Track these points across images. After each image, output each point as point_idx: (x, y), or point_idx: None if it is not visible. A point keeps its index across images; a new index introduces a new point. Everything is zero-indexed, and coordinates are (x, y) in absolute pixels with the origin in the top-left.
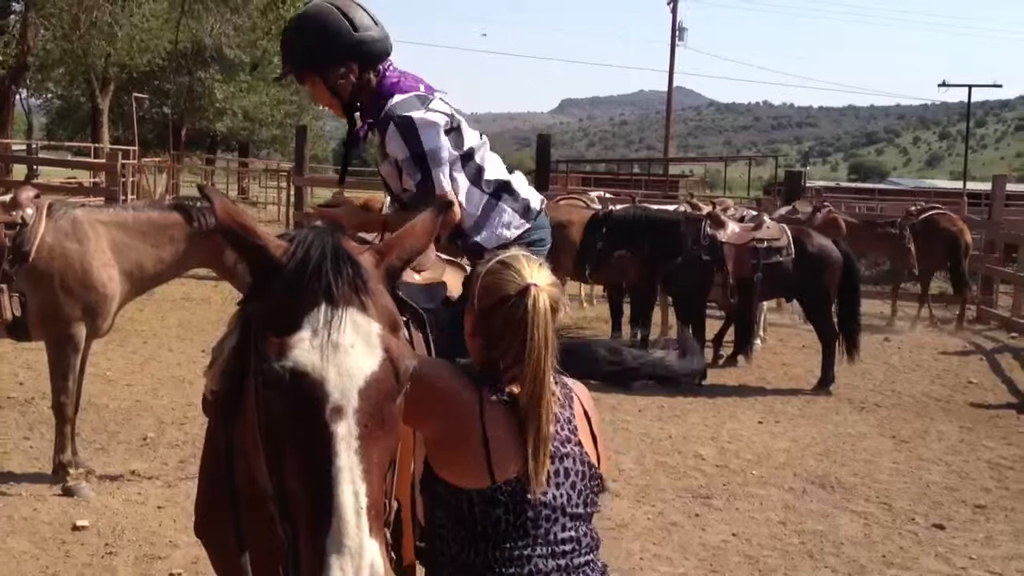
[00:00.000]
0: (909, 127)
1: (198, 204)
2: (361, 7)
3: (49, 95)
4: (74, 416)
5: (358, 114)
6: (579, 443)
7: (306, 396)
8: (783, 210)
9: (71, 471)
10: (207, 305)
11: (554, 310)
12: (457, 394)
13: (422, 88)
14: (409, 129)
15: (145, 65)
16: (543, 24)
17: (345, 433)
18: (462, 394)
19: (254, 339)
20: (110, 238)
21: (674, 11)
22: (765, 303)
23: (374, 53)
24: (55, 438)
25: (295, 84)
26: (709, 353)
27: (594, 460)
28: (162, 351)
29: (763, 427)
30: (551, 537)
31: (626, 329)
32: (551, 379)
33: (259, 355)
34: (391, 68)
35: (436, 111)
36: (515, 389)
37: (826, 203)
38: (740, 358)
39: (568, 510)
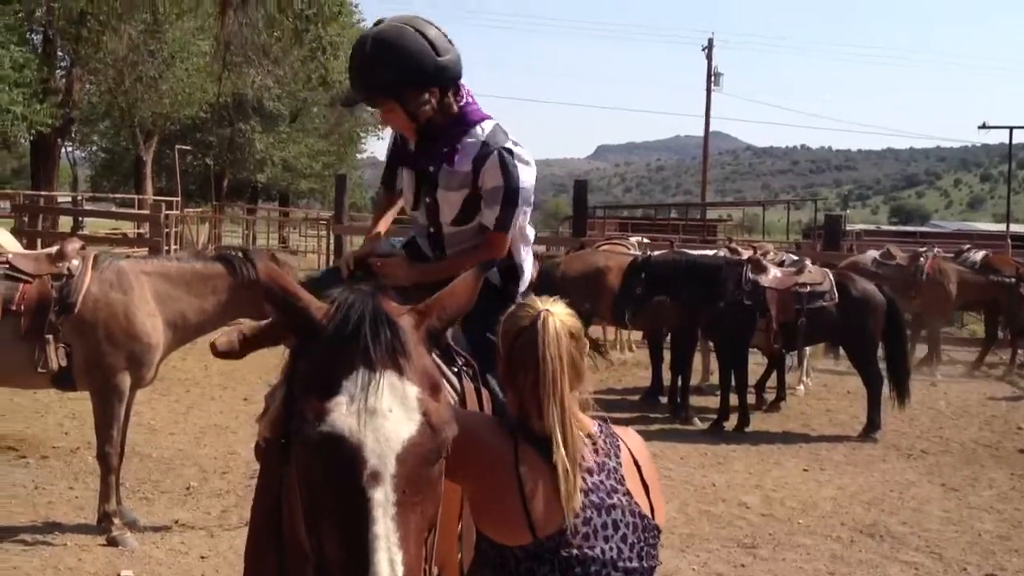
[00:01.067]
0: (950, 169)
1: (241, 255)
2: (433, 25)
3: (94, 147)
4: (119, 466)
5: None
6: (627, 493)
7: (343, 461)
8: (874, 254)
9: (116, 521)
10: (250, 355)
11: (574, 337)
12: (493, 448)
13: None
14: (510, 162)
15: (187, 117)
16: (578, 71)
17: (382, 499)
18: (498, 447)
19: (294, 400)
20: (154, 289)
21: (709, 56)
22: (808, 348)
23: (455, 77)
24: (100, 488)
25: (334, 133)
26: (751, 399)
27: (647, 511)
28: (204, 400)
29: (809, 475)
30: None
31: (666, 375)
32: (573, 403)
33: (297, 417)
34: (467, 91)
35: (524, 149)
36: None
37: (933, 247)
38: (783, 404)
39: (620, 564)
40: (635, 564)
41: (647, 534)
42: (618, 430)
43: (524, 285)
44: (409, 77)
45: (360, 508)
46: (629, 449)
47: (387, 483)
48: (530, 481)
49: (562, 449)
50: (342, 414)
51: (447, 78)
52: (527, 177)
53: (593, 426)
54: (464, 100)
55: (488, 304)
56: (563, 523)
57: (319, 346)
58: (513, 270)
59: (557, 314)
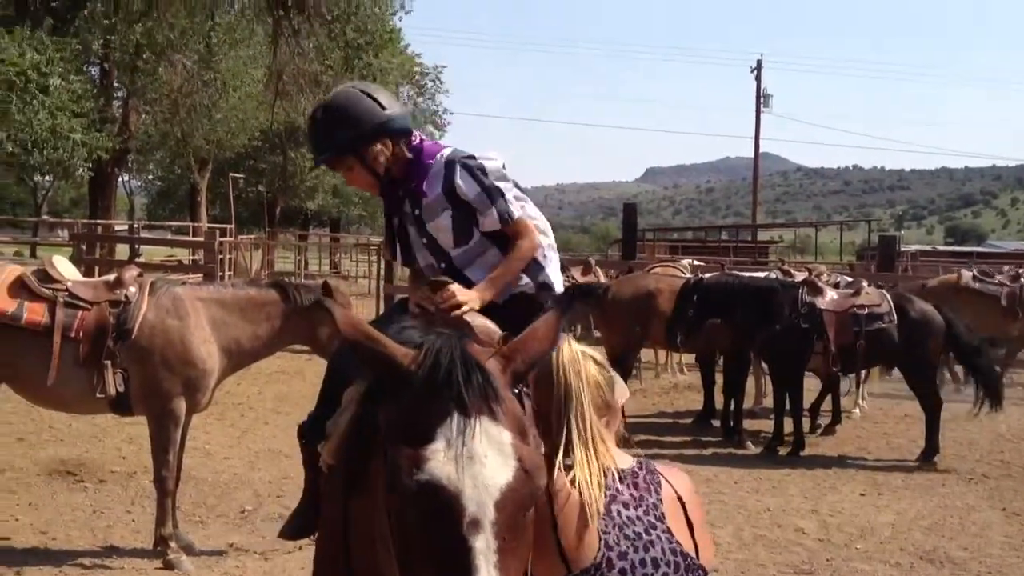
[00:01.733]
0: (1007, 188)
1: (294, 282)
2: (380, 89)
3: (150, 177)
4: (175, 490)
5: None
6: (667, 530)
7: (442, 509)
8: (968, 273)
9: (172, 544)
10: (302, 378)
11: (597, 363)
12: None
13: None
14: (475, 166)
15: (240, 146)
16: (627, 94)
17: (483, 547)
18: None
19: (384, 447)
20: (209, 315)
21: (758, 78)
22: (864, 371)
23: (404, 128)
24: (156, 512)
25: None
26: (806, 423)
27: (690, 549)
28: (258, 424)
29: (866, 499)
30: None
31: (719, 398)
32: (604, 432)
33: (392, 466)
34: (418, 135)
35: (487, 154)
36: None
37: None
38: (838, 427)
39: None
40: None
41: (690, 574)
42: (663, 469)
43: (558, 290)
44: (360, 131)
45: (462, 557)
46: (673, 487)
47: (487, 531)
48: (562, 514)
49: (586, 468)
50: (439, 462)
51: (396, 128)
52: (493, 165)
53: (631, 462)
54: (416, 142)
55: (522, 312)
56: (598, 555)
57: (409, 393)
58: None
59: (572, 343)
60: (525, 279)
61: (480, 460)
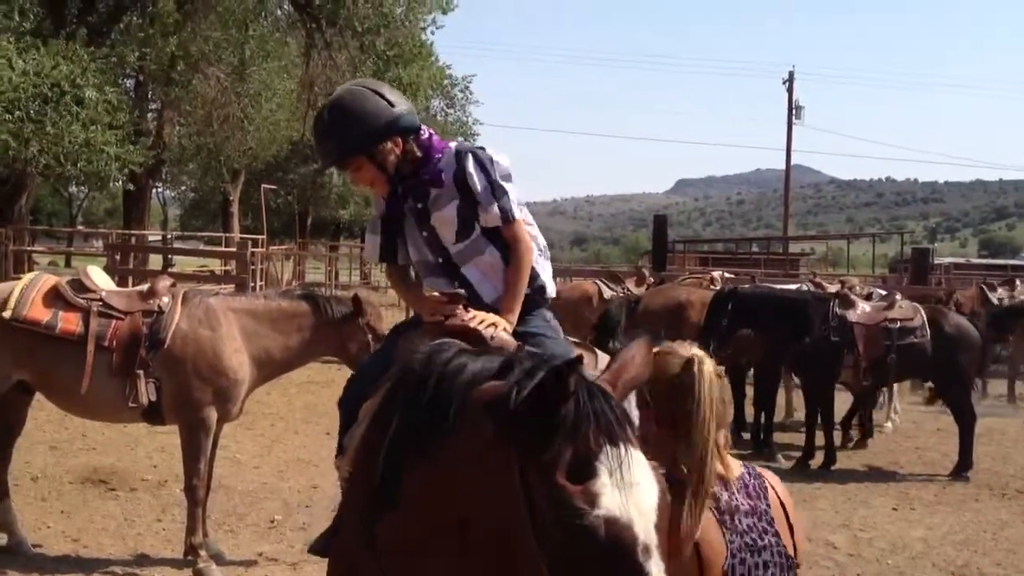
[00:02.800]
0: None
1: (325, 294)
2: (387, 86)
3: (183, 188)
4: (205, 499)
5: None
6: (776, 534)
7: (618, 540)
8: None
9: (202, 553)
10: (331, 388)
11: (720, 378)
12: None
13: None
14: (486, 158)
15: (272, 156)
16: (658, 105)
17: (656, 571)
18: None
19: (536, 485)
20: (241, 325)
21: (790, 89)
22: (896, 384)
23: (413, 125)
24: (187, 520)
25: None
26: (837, 436)
27: (791, 550)
28: (288, 434)
29: (898, 514)
30: None
31: (749, 410)
32: (717, 445)
33: (560, 503)
34: (427, 130)
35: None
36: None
37: None
38: (870, 441)
39: None
40: None
41: (789, 573)
42: (763, 472)
43: (551, 293)
44: (369, 130)
45: None
46: (776, 492)
47: (654, 554)
48: (700, 527)
49: (700, 491)
50: (609, 495)
51: (405, 126)
52: (503, 161)
53: (740, 468)
54: (425, 137)
55: (522, 314)
56: (725, 564)
57: (561, 431)
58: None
59: (704, 357)
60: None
61: (638, 487)
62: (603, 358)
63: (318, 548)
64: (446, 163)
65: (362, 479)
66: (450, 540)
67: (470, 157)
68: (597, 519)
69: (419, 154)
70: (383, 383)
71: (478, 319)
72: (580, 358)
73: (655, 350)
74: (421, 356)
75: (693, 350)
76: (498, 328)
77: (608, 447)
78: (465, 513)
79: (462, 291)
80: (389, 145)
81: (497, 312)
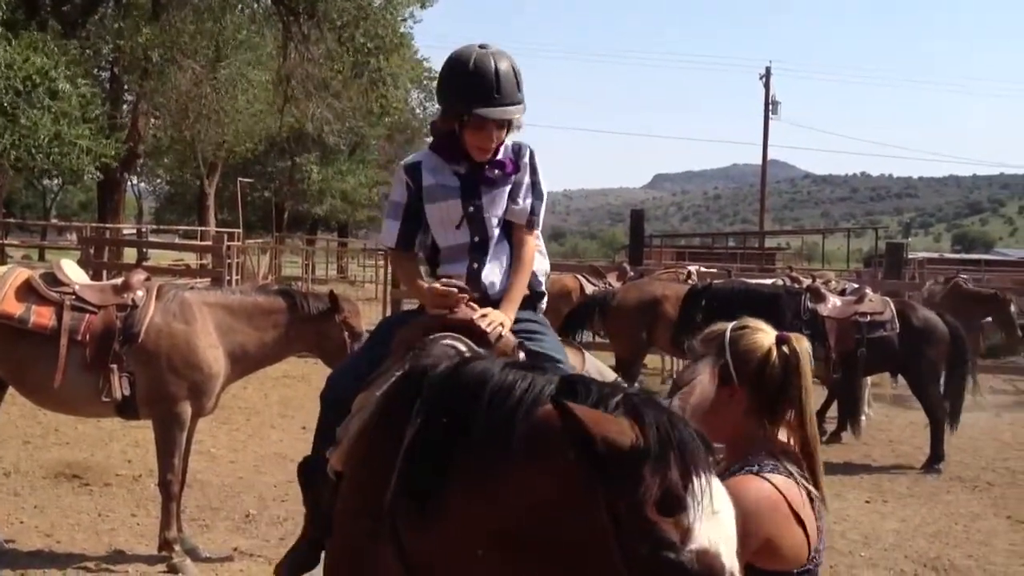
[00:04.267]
0: (1014, 196)
1: (302, 290)
2: None
3: (158, 181)
4: (180, 493)
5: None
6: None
7: (710, 571)
8: None
9: (176, 548)
10: (307, 383)
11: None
12: (770, 504)
13: None
14: (534, 157)
15: (249, 151)
16: (635, 100)
17: None
18: (772, 500)
19: (625, 518)
20: (216, 320)
21: (767, 84)
22: (870, 378)
23: None
24: (161, 515)
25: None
26: None
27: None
28: (264, 428)
29: (870, 507)
30: None
31: None
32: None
33: (650, 538)
34: None
35: None
36: (784, 441)
37: None
38: (845, 435)
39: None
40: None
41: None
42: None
43: (545, 297)
44: (525, 100)
45: None
46: None
47: None
48: (798, 507)
49: (818, 461)
50: (700, 528)
51: None
52: (544, 180)
53: None
54: None
55: (519, 309)
56: (820, 535)
57: (643, 465)
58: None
59: (793, 335)
60: None
61: (719, 517)
62: (590, 359)
63: (286, 571)
64: (506, 148)
65: (370, 478)
66: (501, 560)
67: (528, 151)
68: (691, 553)
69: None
70: (381, 376)
71: (488, 318)
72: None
73: (738, 327)
74: (445, 359)
75: (770, 328)
76: (505, 327)
77: (694, 480)
78: (523, 534)
79: (464, 285)
80: (521, 116)
81: (495, 307)
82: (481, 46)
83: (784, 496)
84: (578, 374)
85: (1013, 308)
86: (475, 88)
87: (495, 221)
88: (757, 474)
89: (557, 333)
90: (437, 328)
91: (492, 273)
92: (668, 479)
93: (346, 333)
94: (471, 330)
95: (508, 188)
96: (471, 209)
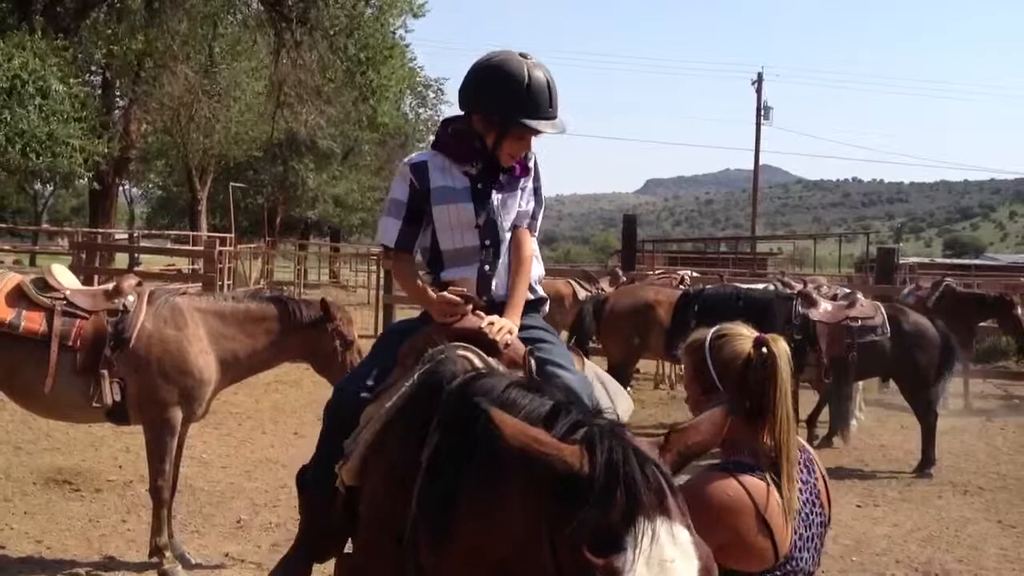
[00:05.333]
0: (1005, 201)
1: (295, 298)
2: None
3: (150, 185)
4: (171, 499)
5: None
6: (821, 505)
7: None
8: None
9: (167, 554)
10: (299, 388)
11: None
12: (732, 506)
13: None
14: (538, 164)
15: (242, 156)
16: (628, 106)
17: None
18: (734, 502)
19: (562, 553)
20: (207, 326)
21: (759, 90)
22: (861, 382)
23: None
24: (152, 521)
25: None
26: (804, 433)
27: (827, 515)
28: (256, 433)
29: (862, 511)
30: None
31: None
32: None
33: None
34: None
35: None
36: (767, 440)
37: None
38: (836, 439)
39: (811, 570)
40: (813, 568)
41: (823, 538)
42: (805, 444)
43: (540, 292)
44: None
45: None
46: (819, 466)
47: None
48: (772, 517)
49: (787, 465)
50: (633, 573)
51: None
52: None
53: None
54: None
55: (524, 315)
56: (792, 541)
57: (590, 497)
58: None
59: (773, 336)
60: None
61: (670, 566)
62: (589, 365)
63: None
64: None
65: (390, 498)
66: None
67: (534, 157)
68: None
69: None
70: (391, 388)
71: (496, 326)
72: (621, 423)
73: (718, 335)
74: (459, 372)
75: (751, 331)
76: (513, 334)
77: (641, 520)
78: (509, 564)
79: (470, 293)
80: None
81: (501, 310)
82: (522, 55)
83: (753, 499)
84: (571, 400)
85: (1021, 311)
86: (532, 101)
87: (507, 225)
88: (730, 473)
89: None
90: (445, 337)
91: (501, 277)
92: (609, 516)
93: (338, 342)
94: (480, 339)
95: (519, 192)
96: (483, 214)
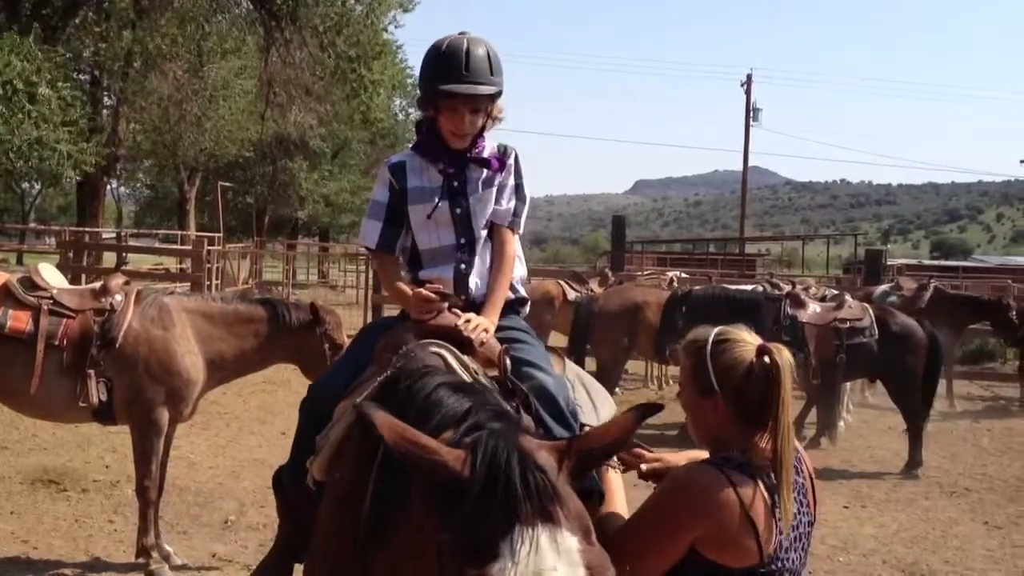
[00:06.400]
0: (992, 203)
1: (284, 301)
2: None
3: (138, 185)
4: (158, 499)
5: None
6: (808, 504)
7: None
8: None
9: (154, 555)
10: (287, 388)
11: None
12: (718, 497)
13: None
14: (518, 161)
15: (231, 156)
16: (617, 107)
17: None
18: (720, 493)
19: (445, 560)
20: (195, 326)
21: (748, 92)
22: (848, 384)
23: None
24: (139, 521)
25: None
26: None
27: (813, 515)
28: (243, 434)
29: (849, 512)
30: None
31: None
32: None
33: None
34: None
35: None
36: (761, 445)
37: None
38: (823, 440)
39: (799, 570)
40: (800, 568)
41: (810, 531)
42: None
43: (523, 292)
44: (502, 87)
45: None
46: (807, 464)
47: None
48: (755, 510)
49: (786, 473)
50: None
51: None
52: (528, 183)
53: None
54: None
55: (503, 315)
56: (778, 541)
57: (464, 503)
58: (521, 296)
59: (775, 345)
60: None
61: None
62: (570, 365)
63: None
64: (491, 149)
65: (347, 496)
66: None
67: (514, 153)
68: None
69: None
70: (363, 384)
71: (472, 324)
72: (519, 426)
73: (720, 340)
74: (414, 369)
75: (754, 337)
76: (488, 332)
77: (518, 528)
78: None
79: (447, 291)
80: (500, 105)
81: (477, 311)
82: (460, 33)
83: (739, 496)
84: (488, 402)
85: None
86: (444, 67)
87: (482, 222)
88: (719, 468)
89: (569, 351)
90: (420, 335)
91: (478, 275)
92: (481, 521)
93: (327, 345)
94: (454, 336)
95: (495, 189)
96: (458, 211)
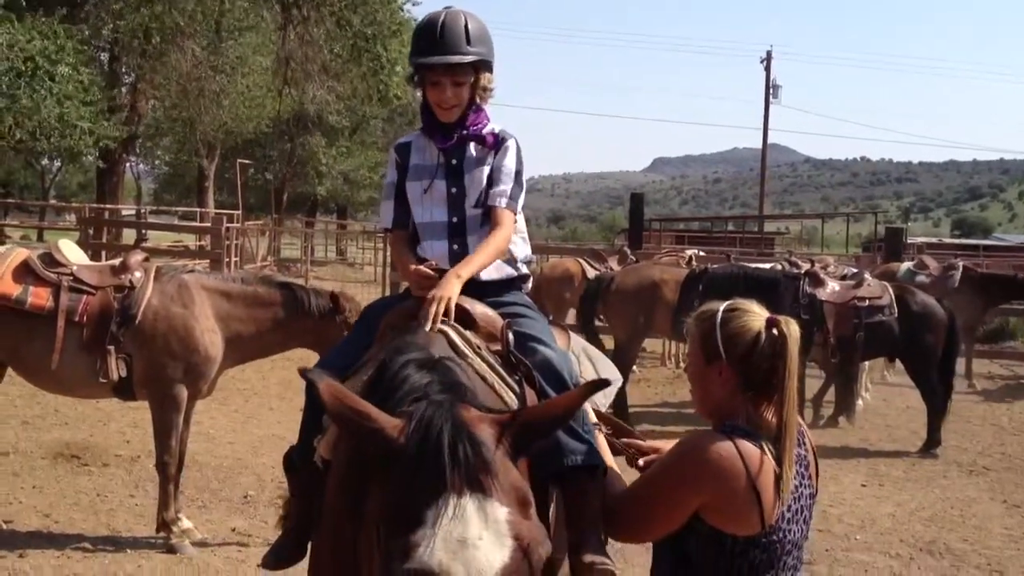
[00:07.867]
0: (1014, 182)
1: (304, 286)
2: None
3: (157, 162)
4: (178, 474)
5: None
6: (810, 477)
7: None
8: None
9: (174, 529)
10: (308, 364)
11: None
12: (726, 462)
13: None
14: (519, 149)
15: (250, 132)
16: (636, 84)
17: None
18: (728, 459)
19: (376, 530)
20: (214, 304)
21: (767, 68)
22: (867, 362)
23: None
24: (159, 496)
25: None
26: (809, 413)
27: (814, 487)
28: (263, 410)
29: (867, 490)
30: (785, 568)
31: None
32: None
33: (383, 551)
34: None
35: None
36: (767, 416)
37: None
38: (841, 419)
39: (800, 542)
40: (801, 541)
41: (812, 503)
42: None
43: (529, 281)
44: (490, 57)
45: None
46: (808, 437)
47: None
48: (760, 480)
49: (790, 444)
50: (429, 549)
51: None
52: (523, 163)
53: None
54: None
55: (505, 291)
56: (780, 512)
57: (397, 471)
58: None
59: (783, 317)
60: (509, 269)
61: (473, 544)
62: (575, 339)
63: (271, 562)
64: (488, 129)
65: (350, 475)
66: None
67: (514, 139)
68: (406, 572)
69: (476, 103)
70: (367, 363)
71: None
72: (461, 397)
73: (730, 309)
74: (392, 347)
75: (762, 309)
76: (445, 294)
77: (446, 496)
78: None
79: (443, 266)
80: (489, 75)
81: (481, 288)
82: (445, 8)
83: (746, 464)
84: (455, 379)
85: None
86: (420, 40)
87: (473, 201)
88: (728, 436)
89: (580, 326)
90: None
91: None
92: (410, 489)
93: (346, 334)
94: (456, 313)
95: (488, 169)
96: (453, 190)
